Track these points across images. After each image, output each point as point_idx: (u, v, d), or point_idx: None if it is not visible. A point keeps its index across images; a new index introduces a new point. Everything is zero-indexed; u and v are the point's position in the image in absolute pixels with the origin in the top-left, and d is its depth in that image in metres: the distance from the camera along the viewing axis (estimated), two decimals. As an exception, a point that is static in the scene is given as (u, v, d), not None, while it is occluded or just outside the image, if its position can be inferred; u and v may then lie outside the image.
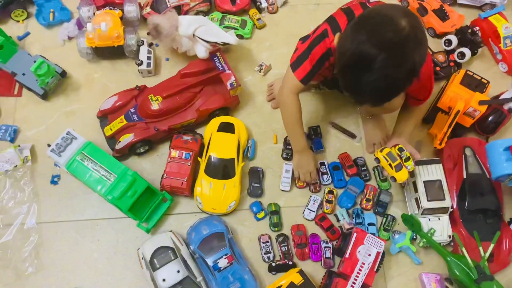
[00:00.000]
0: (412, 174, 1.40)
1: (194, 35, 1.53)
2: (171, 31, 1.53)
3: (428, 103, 1.62)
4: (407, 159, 1.33)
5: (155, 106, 1.51)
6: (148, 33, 1.62)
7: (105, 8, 1.70)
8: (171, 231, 1.42)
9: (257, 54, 1.77)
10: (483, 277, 1.29)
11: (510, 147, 1.24)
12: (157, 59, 1.73)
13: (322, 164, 1.57)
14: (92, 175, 1.39)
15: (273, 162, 1.59)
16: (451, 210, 1.43)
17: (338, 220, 1.50)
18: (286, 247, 1.44)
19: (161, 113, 1.52)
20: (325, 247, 1.44)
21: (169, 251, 1.36)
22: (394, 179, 1.34)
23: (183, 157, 1.47)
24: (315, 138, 1.60)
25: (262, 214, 1.49)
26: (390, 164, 1.33)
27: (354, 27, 1.05)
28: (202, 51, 1.56)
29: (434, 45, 1.79)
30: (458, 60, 1.70)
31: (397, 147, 1.34)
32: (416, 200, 1.43)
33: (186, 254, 1.38)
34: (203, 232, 1.41)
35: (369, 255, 1.29)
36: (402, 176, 1.33)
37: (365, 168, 1.57)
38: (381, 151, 1.36)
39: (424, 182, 1.42)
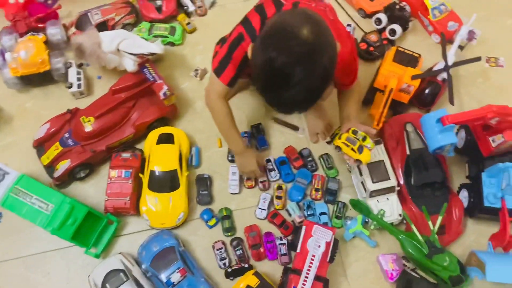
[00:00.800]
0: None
1: (118, 49, 1.50)
2: (93, 49, 1.49)
3: (365, 84, 1.63)
4: (364, 138, 1.30)
5: (88, 127, 1.47)
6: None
7: (28, 34, 1.64)
8: (120, 253, 1.39)
9: (191, 59, 1.74)
10: (434, 251, 1.29)
11: (441, 119, 1.24)
12: (88, 79, 1.69)
13: (268, 161, 1.55)
14: (29, 208, 1.34)
15: (220, 166, 1.56)
16: (398, 188, 1.43)
17: (290, 215, 1.48)
18: (241, 251, 1.42)
19: (96, 134, 1.48)
20: (279, 244, 1.43)
21: (121, 274, 1.32)
22: (360, 162, 1.32)
23: (123, 176, 1.44)
24: (258, 136, 1.58)
25: (213, 221, 1.47)
26: (352, 149, 1.30)
27: (262, 42, 1.05)
28: (130, 65, 1.53)
29: (366, 25, 1.79)
30: (391, 37, 1.71)
31: (350, 130, 1.31)
32: (362, 183, 1.43)
33: (139, 274, 1.34)
34: (153, 249, 1.38)
35: (319, 246, 1.28)
36: (365, 156, 1.29)
37: (311, 158, 1.55)
38: (339, 138, 1.33)
39: (368, 164, 1.41)
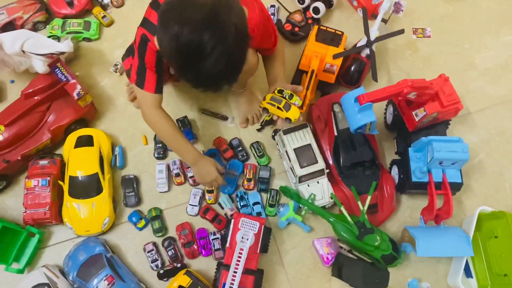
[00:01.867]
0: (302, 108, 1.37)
1: (24, 51, 1.40)
2: (-4, 53, 1.38)
3: (291, 67, 1.58)
4: (291, 96, 1.26)
5: (-2, 137, 1.38)
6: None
7: None
8: (44, 265, 1.32)
9: (110, 53, 1.65)
10: (364, 232, 1.27)
11: (357, 98, 1.20)
12: (0, 84, 1.58)
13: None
14: None
15: (147, 165, 1.50)
16: (328, 170, 1.40)
17: (222, 208, 1.44)
18: (172, 250, 1.37)
19: (8, 143, 1.39)
20: (213, 239, 1.39)
21: (46, 288, 1.26)
22: (289, 120, 1.27)
23: (40, 185, 1.36)
24: (184, 130, 1.52)
25: (142, 223, 1.41)
26: (278, 107, 1.25)
27: (162, 22, 0.97)
28: (40, 66, 1.43)
29: (291, 5, 1.73)
30: (315, 16, 1.66)
31: (275, 90, 1.27)
32: (291, 169, 1.40)
33: (65, 286, 1.29)
34: (80, 258, 1.31)
35: (247, 239, 1.24)
36: (294, 113, 1.25)
37: (241, 148, 1.51)
38: (263, 99, 1.28)
39: (295, 149, 1.38)
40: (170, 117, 1.31)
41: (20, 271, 1.32)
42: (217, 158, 1.49)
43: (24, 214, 1.34)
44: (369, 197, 1.32)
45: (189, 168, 1.47)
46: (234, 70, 1.01)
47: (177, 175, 1.47)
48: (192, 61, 0.94)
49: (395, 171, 1.45)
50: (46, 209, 1.34)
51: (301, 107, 1.35)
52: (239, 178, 1.48)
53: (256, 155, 1.50)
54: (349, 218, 1.30)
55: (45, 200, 1.35)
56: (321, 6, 1.63)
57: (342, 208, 1.32)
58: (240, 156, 1.50)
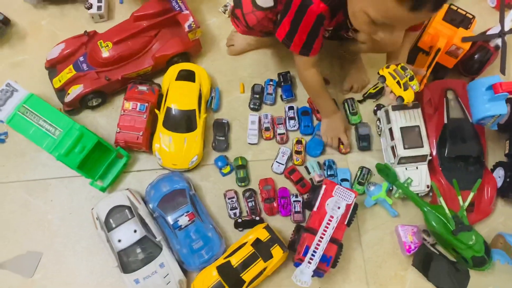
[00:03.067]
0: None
1: (145, -29, 1.37)
2: (118, -33, 1.35)
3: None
4: (411, 78, 1.18)
5: (105, 53, 1.36)
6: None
7: None
8: (128, 189, 1.32)
9: (221, -7, 1.60)
10: (461, 228, 1.20)
11: (493, 85, 1.11)
12: (110, 2, 1.56)
13: (291, 108, 1.45)
14: (35, 130, 1.26)
15: (240, 113, 1.46)
16: (430, 158, 1.32)
17: (309, 173, 1.39)
18: (253, 203, 1.34)
19: (113, 61, 1.38)
20: (294, 201, 1.35)
21: (126, 210, 1.26)
22: (402, 99, 1.20)
23: (137, 109, 1.34)
24: (284, 85, 1.47)
25: (227, 169, 1.38)
26: (398, 82, 1.19)
27: None
28: (156, -10, 1.40)
29: (417, -21, 1.62)
30: (443, -6, 1.54)
31: (399, 65, 1.20)
32: (393, 148, 1.32)
33: (145, 213, 1.28)
34: (163, 189, 1.31)
35: (339, 208, 1.19)
36: (409, 95, 1.19)
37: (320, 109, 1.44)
38: (387, 67, 1.21)
39: (401, 128, 1.31)
40: (319, 75, 1.30)
41: (103, 189, 1.33)
42: (310, 117, 1.45)
43: (118, 133, 1.33)
44: (471, 194, 1.25)
45: (280, 125, 1.43)
46: None
47: (267, 129, 1.43)
48: None
49: (499, 173, 1.35)
50: (140, 134, 1.33)
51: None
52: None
53: (349, 111, 1.45)
54: (447, 211, 1.23)
55: (141, 125, 1.33)
56: (452, -15, 1.51)
57: (441, 200, 1.24)
58: (333, 117, 1.44)
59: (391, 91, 1.22)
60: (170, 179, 1.33)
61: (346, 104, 1.46)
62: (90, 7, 1.48)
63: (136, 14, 1.41)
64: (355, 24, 1.04)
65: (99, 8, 1.49)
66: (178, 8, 1.41)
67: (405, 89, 1.18)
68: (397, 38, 1.23)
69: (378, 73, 1.23)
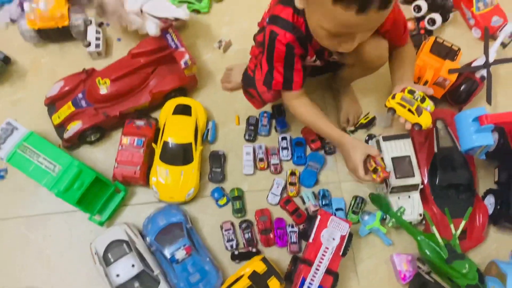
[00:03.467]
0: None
1: (142, 11, 1.42)
2: (116, 7, 1.41)
3: (387, 87, 1.51)
4: (423, 99, 1.11)
5: (103, 90, 1.40)
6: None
7: (49, -14, 1.56)
8: (125, 223, 1.34)
9: (216, 29, 1.65)
10: (454, 256, 1.22)
11: (479, 117, 1.15)
12: (108, 40, 1.61)
13: (284, 138, 1.48)
14: (35, 167, 1.29)
15: (236, 145, 1.49)
16: (422, 187, 1.35)
17: (304, 203, 1.42)
18: (249, 234, 1.36)
19: (111, 97, 1.42)
20: (290, 232, 1.37)
21: (124, 245, 1.28)
22: (420, 126, 1.13)
23: (135, 144, 1.38)
24: (278, 118, 1.51)
25: (224, 200, 1.41)
26: (409, 110, 1.12)
27: None
28: (152, 28, 1.45)
29: (404, 12, 1.67)
30: (429, 27, 1.60)
31: (406, 89, 1.12)
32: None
33: (142, 247, 1.29)
34: (160, 223, 1.32)
35: (333, 239, 1.22)
36: (426, 119, 1.12)
37: (328, 140, 1.48)
38: (393, 98, 1.14)
39: (392, 158, 1.34)
40: (308, 102, 1.26)
41: (101, 224, 1.35)
42: (303, 147, 1.48)
43: (115, 168, 1.36)
44: (463, 222, 1.27)
45: (273, 155, 1.46)
46: None
47: (261, 159, 1.46)
48: None
49: (490, 200, 1.38)
50: (137, 168, 1.36)
51: None
52: (320, 171, 1.45)
53: None
54: (440, 239, 1.25)
55: (138, 159, 1.36)
56: (438, 18, 1.57)
57: (434, 228, 1.26)
58: (327, 149, 1.48)
59: (406, 120, 1.15)
60: (167, 212, 1.35)
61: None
62: (88, 45, 1.53)
63: (133, 51, 1.46)
64: (319, 41, 1.07)
65: (97, 46, 1.54)
66: (174, 46, 1.46)
67: (419, 114, 1.12)
68: (382, 51, 1.22)
69: (386, 105, 1.16)
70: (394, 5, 1.06)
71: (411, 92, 1.12)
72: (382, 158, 1.16)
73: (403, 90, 1.13)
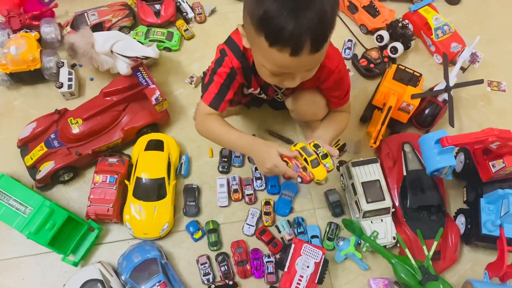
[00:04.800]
0: (345, 171, 1.29)
1: (112, 51, 1.46)
2: (86, 49, 1.45)
3: (363, 102, 1.59)
4: (325, 156, 1.14)
5: (75, 129, 1.42)
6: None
7: (21, 31, 1.60)
8: (100, 262, 1.32)
9: (187, 65, 1.70)
10: (428, 278, 1.23)
11: (440, 140, 1.19)
12: (80, 80, 1.64)
13: (257, 169, 1.50)
14: (6, 210, 1.28)
15: (210, 177, 1.51)
16: (393, 210, 1.37)
17: (279, 232, 1.42)
18: (226, 267, 1.35)
19: (83, 136, 1.43)
20: (267, 262, 1.36)
21: (98, 284, 1.26)
22: (301, 179, 1.11)
23: (107, 181, 1.38)
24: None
25: (199, 234, 1.40)
26: (305, 159, 1.14)
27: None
28: (123, 67, 1.49)
29: (368, 41, 1.76)
30: (392, 55, 1.67)
31: (312, 143, 1.16)
32: (356, 203, 1.37)
33: (117, 285, 1.28)
34: (134, 260, 1.31)
35: (308, 266, 1.22)
36: (320, 173, 1.13)
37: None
38: (294, 145, 1.17)
39: (362, 183, 1.36)
40: (217, 117, 1.23)
41: (75, 264, 1.33)
42: (277, 177, 1.50)
43: (89, 207, 1.36)
44: (435, 243, 1.28)
45: (247, 186, 1.48)
46: (322, 31, 0.93)
47: (235, 191, 1.47)
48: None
49: (461, 220, 1.40)
50: (110, 205, 1.35)
51: (374, 143, 1.34)
52: (294, 199, 1.47)
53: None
54: (413, 262, 1.26)
55: (111, 197, 1.36)
56: (399, 46, 1.64)
57: (407, 251, 1.28)
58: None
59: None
60: (141, 248, 1.34)
61: None
62: (61, 86, 1.56)
63: (105, 90, 1.49)
64: (264, 78, 1.11)
65: (69, 86, 1.57)
66: (145, 83, 1.49)
67: (314, 166, 1.14)
68: (317, 109, 1.30)
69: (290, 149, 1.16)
70: (341, 68, 1.18)
71: (316, 146, 1.16)
72: (306, 160, 1.14)
73: (310, 143, 1.17)
